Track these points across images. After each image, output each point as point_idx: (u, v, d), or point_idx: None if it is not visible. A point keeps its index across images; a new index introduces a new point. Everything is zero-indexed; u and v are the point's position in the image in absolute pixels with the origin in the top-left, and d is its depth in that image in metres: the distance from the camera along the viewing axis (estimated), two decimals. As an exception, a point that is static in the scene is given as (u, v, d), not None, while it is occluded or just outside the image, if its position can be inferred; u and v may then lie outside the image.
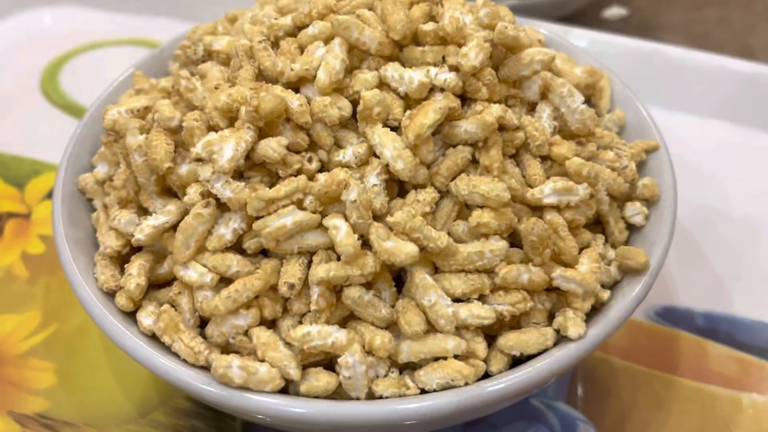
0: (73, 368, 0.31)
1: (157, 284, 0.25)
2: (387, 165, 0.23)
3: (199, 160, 0.24)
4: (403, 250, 0.22)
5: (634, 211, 0.27)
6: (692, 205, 0.37)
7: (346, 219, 0.23)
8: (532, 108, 0.27)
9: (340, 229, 0.22)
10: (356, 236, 0.22)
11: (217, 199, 0.23)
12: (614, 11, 0.54)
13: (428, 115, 0.23)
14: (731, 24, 0.58)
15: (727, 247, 0.36)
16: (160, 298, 0.24)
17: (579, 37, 0.44)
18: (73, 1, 0.52)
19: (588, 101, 0.31)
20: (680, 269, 0.35)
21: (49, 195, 0.39)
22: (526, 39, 0.25)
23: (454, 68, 0.25)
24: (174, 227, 0.24)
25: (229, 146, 0.23)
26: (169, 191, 0.25)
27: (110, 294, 0.25)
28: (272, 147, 0.23)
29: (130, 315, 0.24)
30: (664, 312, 0.34)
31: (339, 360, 0.22)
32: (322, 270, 0.22)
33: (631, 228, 0.27)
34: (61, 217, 0.26)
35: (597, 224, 0.27)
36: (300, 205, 0.23)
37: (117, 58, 0.48)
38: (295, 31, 0.27)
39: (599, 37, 0.45)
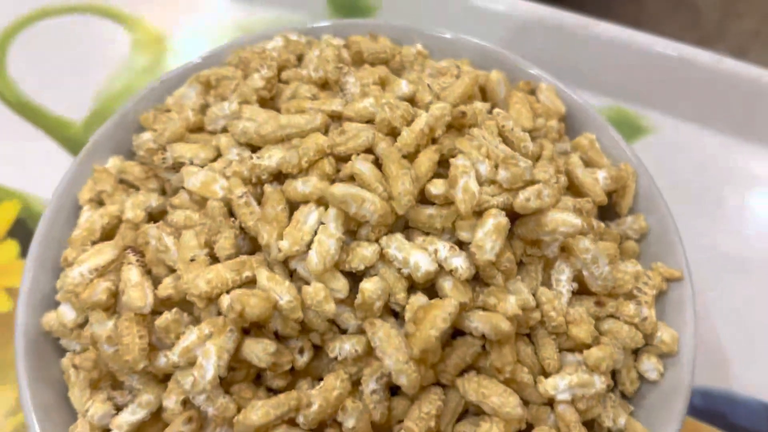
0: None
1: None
2: (388, 373, 0.21)
3: (176, 366, 0.21)
4: (408, 486, 0.20)
5: (649, 367, 0.25)
6: (696, 248, 0.34)
7: (343, 439, 0.21)
8: (548, 264, 0.24)
9: (337, 463, 0.20)
10: (354, 465, 0.21)
11: (199, 410, 0.21)
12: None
13: (436, 324, 0.21)
14: None
15: (728, 308, 0.35)
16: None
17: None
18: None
19: (609, 197, 0.28)
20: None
21: (11, 233, 0.36)
22: (549, 201, 0.22)
23: (463, 245, 0.22)
24: (157, 414, 0.22)
25: (210, 363, 0.20)
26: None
27: (89, 480, 0.23)
28: (258, 355, 0.21)
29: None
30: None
31: None
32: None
33: (643, 379, 0.25)
34: (26, 380, 0.24)
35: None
36: (292, 423, 0.21)
37: (69, 32, 0.42)
38: (278, 174, 0.23)
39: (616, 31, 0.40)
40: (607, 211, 0.28)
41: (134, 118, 0.29)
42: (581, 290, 0.24)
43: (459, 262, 0.21)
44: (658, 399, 0.25)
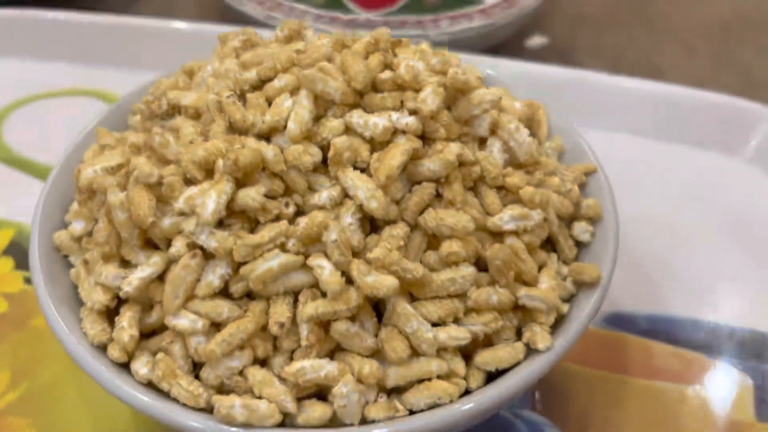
0: (51, 422, 0.32)
1: (145, 334, 0.26)
2: (360, 205, 0.25)
3: (181, 214, 0.25)
4: (384, 284, 0.24)
5: (582, 229, 0.30)
6: (624, 217, 0.41)
7: (328, 258, 0.24)
8: (482, 143, 0.29)
9: (324, 269, 0.24)
10: (339, 273, 0.24)
11: (202, 249, 0.25)
12: (536, 40, 0.58)
13: (396, 157, 0.25)
14: (639, 45, 0.62)
15: (658, 252, 0.40)
16: (151, 347, 0.25)
17: (508, 68, 0.48)
18: (7, 52, 0.51)
19: (528, 130, 0.34)
20: (620, 277, 0.38)
21: (5, 252, 0.39)
22: (474, 81, 0.28)
23: (413, 112, 0.27)
24: (160, 278, 0.25)
25: (210, 200, 0.24)
26: (151, 243, 0.27)
27: (100, 347, 0.25)
28: (251, 196, 0.25)
29: (122, 367, 0.25)
30: (610, 318, 0.37)
31: (333, 390, 0.23)
32: (310, 308, 0.24)
33: (579, 245, 0.30)
34: (41, 277, 0.27)
35: (548, 243, 0.30)
36: (283, 248, 0.25)
37: (59, 109, 0.48)
38: (260, 84, 0.28)
39: (527, 67, 0.48)
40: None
41: (129, 108, 0.35)
42: (513, 167, 0.29)
43: (409, 119, 0.27)
44: (593, 259, 0.29)
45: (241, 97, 0.28)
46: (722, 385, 0.34)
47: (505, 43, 0.57)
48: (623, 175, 0.43)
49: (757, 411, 0.33)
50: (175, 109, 0.30)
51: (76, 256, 0.29)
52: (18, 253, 0.39)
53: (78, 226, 0.28)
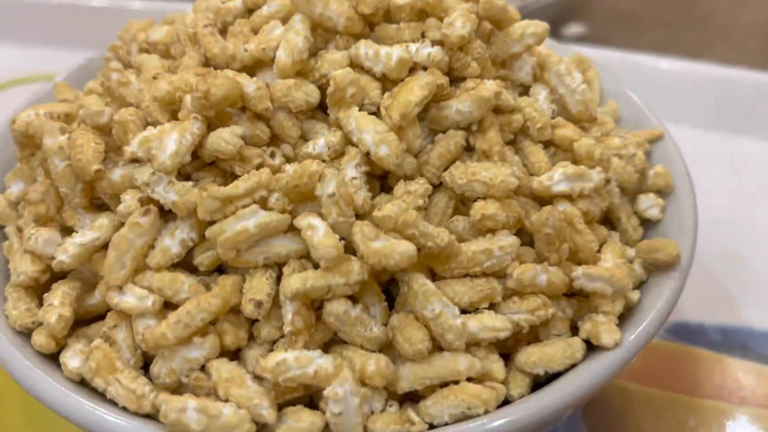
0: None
1: (86, 319, 0.20)
2: (367, 153, 0.19)
3: (135, 161, 0.19)
4: (397, 250, 0.18)
5: (649, 203, 0.23)
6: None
7: (323, 218, 0.18)
8: (525, 92, 0.23)
9: (316, 229, 0.18)
10: (337, 237, 0.18)
11: (160, 207, 0.19)
12: (574, 29, 0.53)
13: (414, 91, 0.20)
14: (685, 44, 0.57)
15: (730, 255, 0.34)
16: (91, 335, 0.20)
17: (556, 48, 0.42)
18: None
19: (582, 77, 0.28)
20: (688, 283, 0.32)
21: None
22: (514, 11, 0.22)
23: (438, 43, 0.21)
24: (106, 246, 0.19)
25: (171, 139, 0.19)
26: (100, 205, 0.21)
27: (25, 334, 0.20)
28: (225, 138, 0.19)
29: (52, 358, 0.19)
30: (675, 329, 0.31)
31: (325, 393, 0.17)
32: (296, 281, 0.18)
33: (646, 225, 0.24)
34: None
35: (605, 223, 0.23)
36: (264, 204, 0.19)
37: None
38: (246, 14, 0.23)
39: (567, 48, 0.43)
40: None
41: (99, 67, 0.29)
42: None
43: (431, 49, 0.21)
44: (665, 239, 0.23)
45: (223, 32, 0.23)
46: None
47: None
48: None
49: None
50: (146, 50, 0.25)
51: (12, 224, 0.23)
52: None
53: (16, 189, 0.23)
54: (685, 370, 0.30)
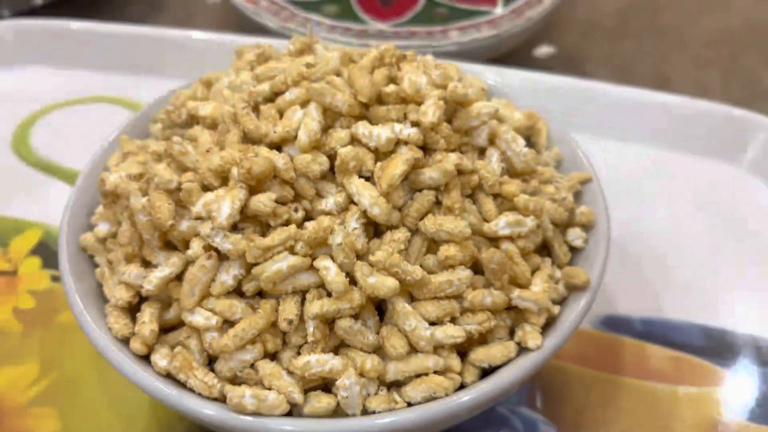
0: (76, 412, 0.34)
1: (164, 329, 0.28)
2: (365, 211, 0.27)
3: (199, 218, 0.27)
4: (385, 285, 0.26)
5: (575, 235, 0.31)
6: (625, 223, 0.42)
7: (334, 260, 0.26)
8: (482, 153, 0.31)
9: (330, 270, 0.26)
10: (344, 275, 0.26)
11: (217, 251, 0.27)
12: (543, 50, 0.59)
13: (398, 166, 0.27)
14: (646, 55, 0.64)
15: (656, 257, 0.41)
16: (170, 341, 0.27)
17: (514, 76, 0.49)
18: (33, 61, 0.54)
19: (528, 140, 0.36)
20: (618, 281, 0.40)
21: (33, 252, 0.41)
22: (473, 94, 0.30)
23: (415, 124, 0.29)
24: (178, 277, 0.27)
25: (226, 204, 0.26)
26: (170, 245, 0.29)
27: (123, 341, 0.28)
28: (263, 202, 0.27)
29: (143, 359, 0.27)
30: (607, 320, 0.38)
31: (337, 383, 0.25)
32: (316, 306, 0.26)
33: (573, 250, 0.31)
34: (69, 275, 0.29)
35: (544, 248, 0.31)
36: (291, 250, 0.26)
37: (82, 116, 0.51)
38: (272, 96, 0.30)
39: (532, 76, 0.50)
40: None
41: (151, 117, 0.37)
42: (510, 175, 0.31)
43: (411, 130, 0.28)
44: (585, 263, 0.31)
45: (255, 108, 0.30)
46: (713, 386, 0.36)
47: (513, 52, 0.59)
48: (625, 181, 0.45)
49: (749, 413, 0.35)
50: (193, 119, 0.32)
51: (100, 256, 0.31)
52: (45, 252, 0.41)
53: (103, 228, 0.30)
54: (613, 354, 0.37)
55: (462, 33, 0.53)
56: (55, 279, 0.40)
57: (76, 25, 0.54)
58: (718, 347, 0.37)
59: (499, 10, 0.56)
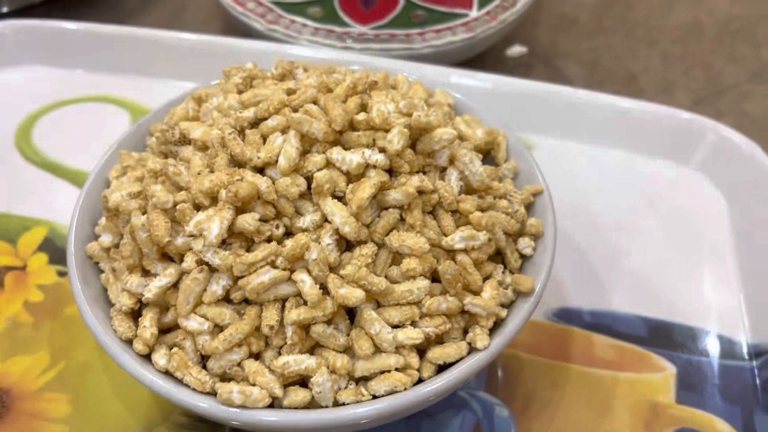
0: (84, 397, 0.38)
1: (162, 330, 0.32)
2: (337, 229, 0.31)
3: (191, 235, 0.31)
4: (354, 295, 0.30)
5: (525, 244, 0.35)
6: (577, 221, 0.46)
7: (309, 273, 0.30)
8: (443, 171, 0.35)
9: (306, 282, 0.30)
10: (318, 286, 0.30)
11: (208, 264, 0.31)
12: (516, 50, 0.63)
13: (366, 189, 0.31)
14: (616, 50, 0.67)
15: (606, 253, 0.46)
16: (168, 341, 0.32)
17: (484, 80, 0.53)
18: (35, 60, 0.57)
19: (488, 153, 0.39)
20: (572, 276, 0.44)
21: (41, 248, 0.45)
22: (435, 121, 0.33)
23: (383, 150, 0.33)
24: (174, 285, 0.31)
25: (215, 225, 0.30)
26: (167, 256, 0.32)
27: (126, 342, 0.32)
28: (248, 221, 0.31)
29: (144, 357, 0.31)
30: (559, 312, 0.43)
31: (312, 380, 0.29)
32: (294, 314, 0.30)
33: (524, 257, 0.36)
34: (77, 280, 0.33)
35: (498, 255, 0.35)
36: (273, 264, 0.30)
37: (80, 115, 0.54)
38: (256, 121, 0.34)
39: (502, 79, 0.53)
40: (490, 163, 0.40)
41: (146, 129, 0.40)
42: (468, 191, 0.35)
43: (378, 156, 0.32)
44: (533, 269, 0.35)
45: (241, 132, 0.34)
46: (649, 372, 0.40)
47: (488, 51, 0.62)
48: (578, 180, 0.49)
49: (677, 395, 0.39)
50: (185, 138, 0.36)
51: (105, 263, 0.35)
52: (51, 248, 0.45)
53: (106, 239, 0.34)
54: (563, 344, 0.42)
55: (438, 36, 0.57)
56: (61, 274, 0.44)
57: (75, 25, 0.57)
58: (657, 337, 0.42)
59: (474, 12, 0.59)
